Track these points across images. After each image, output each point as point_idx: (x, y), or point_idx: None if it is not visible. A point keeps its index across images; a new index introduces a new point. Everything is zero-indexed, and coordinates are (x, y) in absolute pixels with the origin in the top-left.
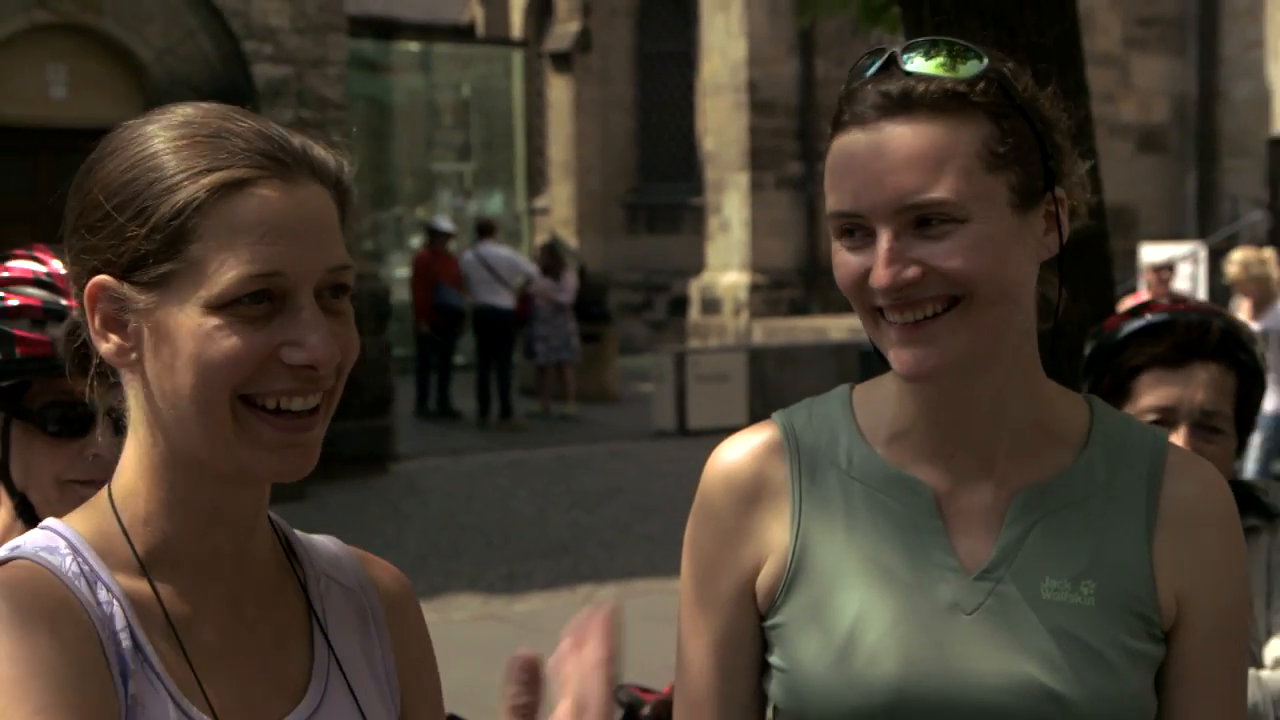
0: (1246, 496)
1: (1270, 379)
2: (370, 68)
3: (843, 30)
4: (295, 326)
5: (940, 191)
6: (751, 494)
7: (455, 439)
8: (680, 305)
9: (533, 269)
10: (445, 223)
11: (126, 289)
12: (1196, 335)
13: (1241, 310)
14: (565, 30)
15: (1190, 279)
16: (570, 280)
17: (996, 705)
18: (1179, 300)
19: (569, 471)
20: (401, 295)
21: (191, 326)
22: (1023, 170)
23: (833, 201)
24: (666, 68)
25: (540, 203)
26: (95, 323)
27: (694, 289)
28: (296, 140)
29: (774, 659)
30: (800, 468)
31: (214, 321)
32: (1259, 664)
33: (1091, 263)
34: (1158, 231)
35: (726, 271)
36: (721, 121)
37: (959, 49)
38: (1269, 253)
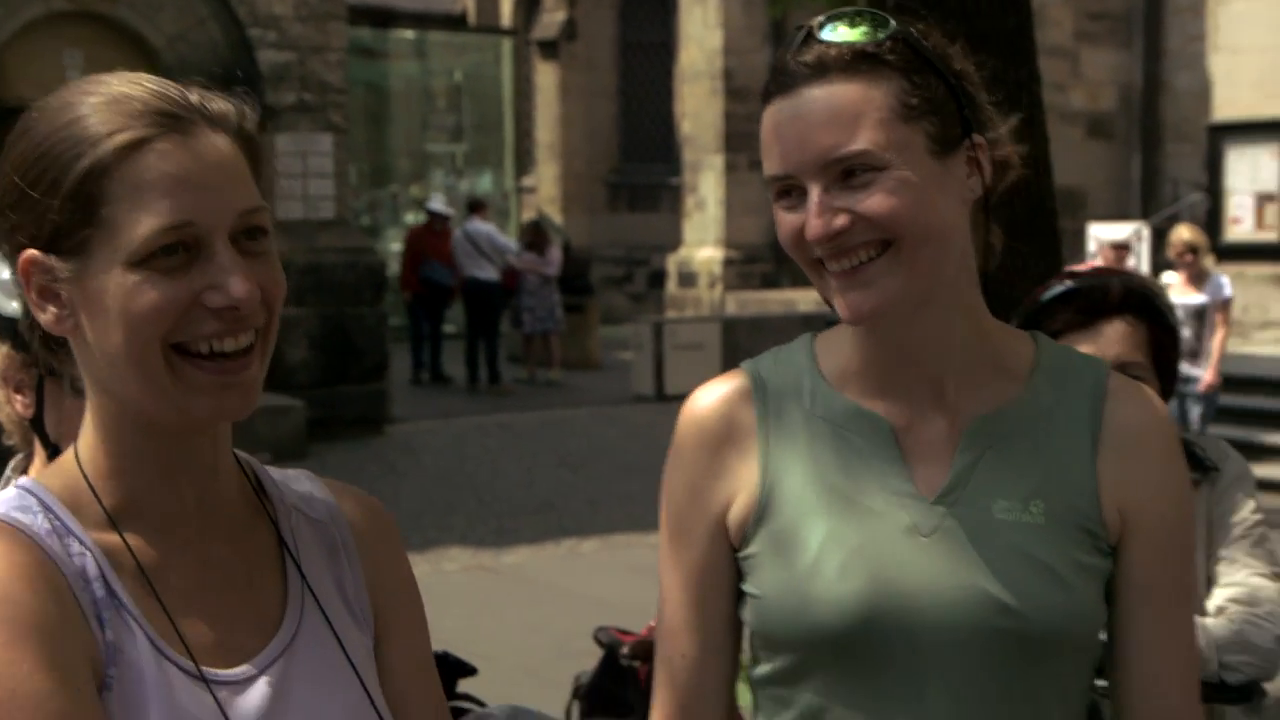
0: (1184, 452)
1: (1202, 350)
2: (368, 54)
3: None
4: (213, 271)
5: (859, 144)
6: (722, 436)
7: (447, 403)
8: (659, 278)
9: (513, 246)
10: (441, 205)
11: (53, 260)
12: (1099, 296)
13: (1178, 284)
14: (552, 20)
15: (1135, 256)
16: (555, 254)
17: (954, 619)
18: (1090, 269)
19: (554, 433)
20: (396, 269)
21: (115, 286)
22: (938, 119)
23: (767, 167)
24: (647, 56)
25: (527, 182)
26: (32, 295)
27: (672, 263)
28: (194, 95)
29: (748, 587)
30: (767, 410)
31: (134, 278)
32: (1203, 612)
33: (1042, 240)
34: (1105, 212)
35: (702, 247)
36: (698, 107)
37: (871, 16)
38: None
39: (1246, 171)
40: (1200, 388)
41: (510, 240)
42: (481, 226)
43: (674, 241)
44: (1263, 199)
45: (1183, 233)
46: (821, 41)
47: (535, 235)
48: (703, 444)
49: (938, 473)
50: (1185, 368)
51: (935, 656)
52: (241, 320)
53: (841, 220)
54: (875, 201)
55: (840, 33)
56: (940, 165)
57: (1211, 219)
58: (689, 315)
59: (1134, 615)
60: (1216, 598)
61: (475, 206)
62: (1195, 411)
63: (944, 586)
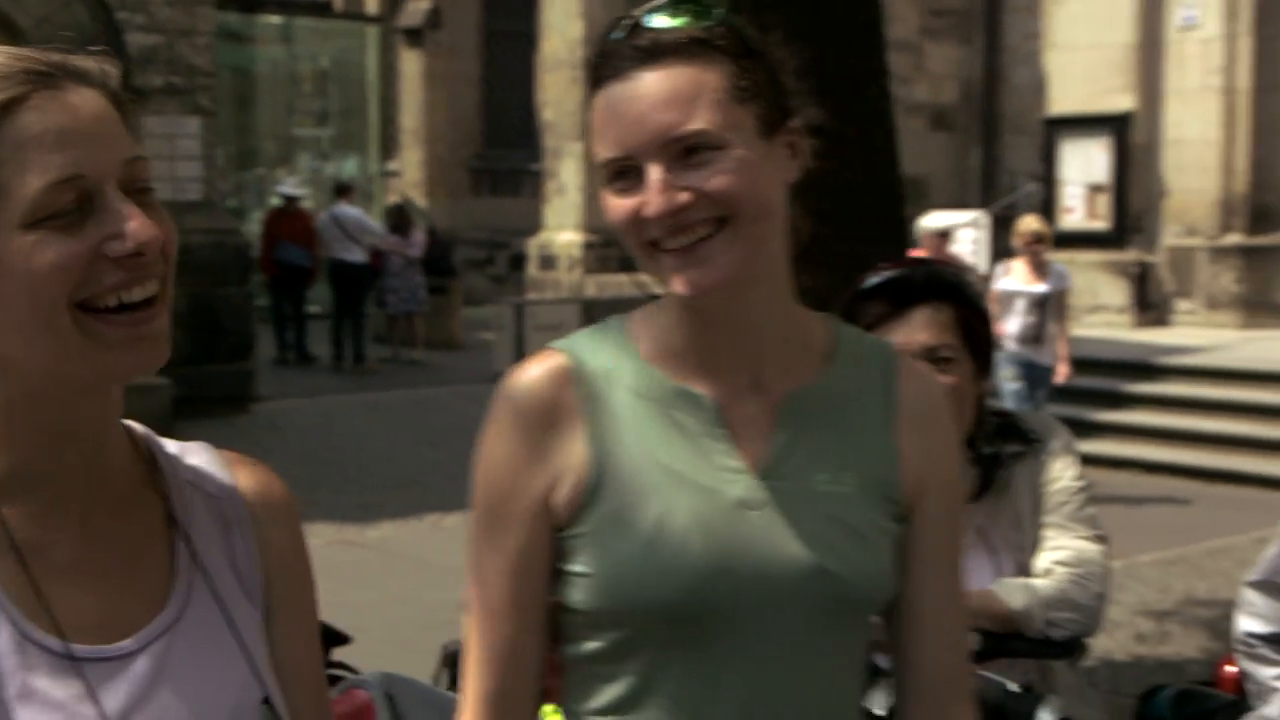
0: (1011, 426)
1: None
2: (235, 39)
3: None
4: (109, 220)
5: (698, 123)
6: (545, 418)
7: (312, 382)
8: (520, 261)
9: (379, 228)
10: (289, 188)
11: None
12: (903, 286)
13: (1021, 273)
14: (417, 8)
15: (974, 243)
16: (419, 237)
17: (784, 587)
18: (899, 261)
19: (417, 411)
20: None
21: (13, 251)
22: (764, 103)
23: (602, 150)
24: (510, 45)
25: (392, 166)
26: None
27: (532, 247)
28: (55, 55)
29: (576, 566)
30: (590, 391)
31: (31, 238)
32: (1030, 573)
33: (890, 228)
34: (946, 201)
35: (562, 231)
36: (559, 95)
37: (692, 6)
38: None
39: (1079, 163)
40: (1059, 379)
41: (377, 223)
42: (349, 210)
43: (535, 225)
44: (1094, 189)
45: (1030, 223)
46: (650, 28)
47: (400, 218)
48: (524, 426)
49: (760, 448)
50: (1029, 353)
51: (765, 624)
52: (145, 267)
53: (684, 197)
54: (716, 179)
55: (665, 20)
56: (766, 147)
57: (1046, 208)
58: (549, 297)
59: (925, 575)
60: (1043, 560)
61: (342, 190)
62: (1041, 393)
63: (775, 556)
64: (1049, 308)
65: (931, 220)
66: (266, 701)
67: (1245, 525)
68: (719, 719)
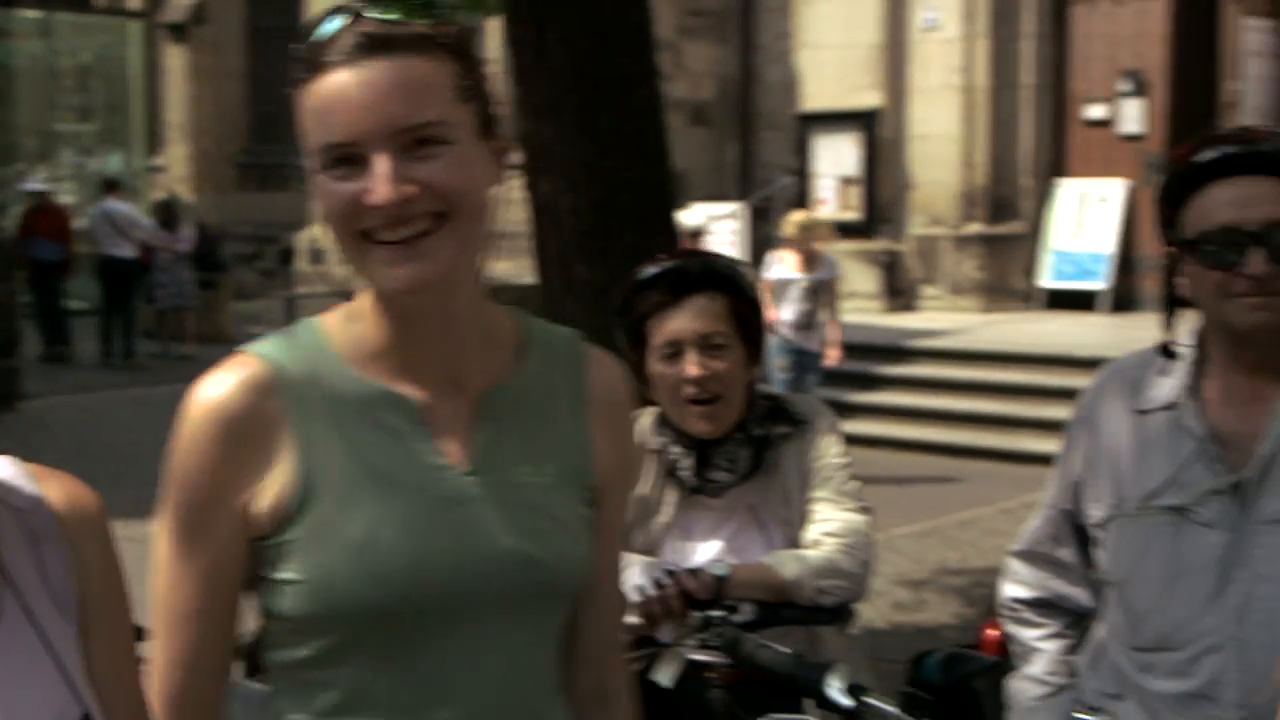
0: (779, 408)
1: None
2: None
3: None
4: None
5: (430, 115)
6: (244, 430)
7: (81, 378)
8: (289, 255)
9: (149, 223)
10: (36, 183)
11: None
12: (680, 275)
13: (792, 263)
14: (180, 4)
15: (733, 234)
16: (187, 232)
17: (495, 578)
18: (674, 252)
19: None
20: None
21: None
22: (480, 104)
23: (322, 136)
24: (275, 39)
25: (158, 161)
26: None
27: (302, 241)
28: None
29: (284, 574)
30: (291, 396)
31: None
32: (800, 546)
33: (661, 220)
34: (705, 194)
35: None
36: None
37: (411, 5)
38: (801, 214)
39: (830, 157)
40: (829, 363)
41: (145, 218)
42: (119, 205)
43: (303, 220)
44: (845, 182)
45: (799, 216)
46: (375, 19)
47: (167, 214)
48: (222, 438)
49: (464, 445)
50: (799, 340)
51: (480, 619)
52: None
53: (411, 189)
54: (442, 173)
55: (382, 14)
56: (482, 148)
57: (800, 201)
58: (319, 291)
59: (604, 555)
60: (812, 532)
61: (111, 186)
62: (811, 378)
63: (485, 551)
64: (820, 295)
65: (685, 217)
66: (87, 718)
67: (992, 497)
68: (440, 718)
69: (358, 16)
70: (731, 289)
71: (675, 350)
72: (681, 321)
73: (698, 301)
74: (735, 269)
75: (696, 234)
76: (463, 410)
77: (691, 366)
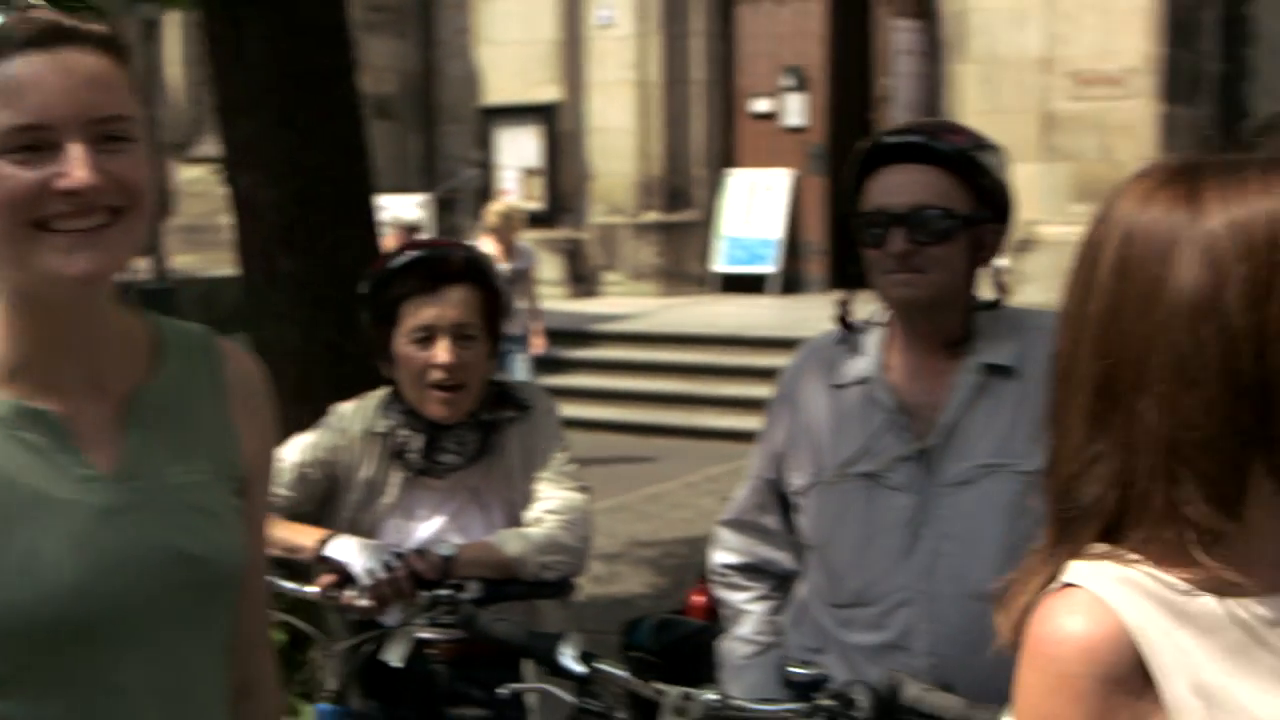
0: (505, 394)
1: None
2: None
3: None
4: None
5: (121, 109)
6: None
7: None
8: None
9: None
10: None
11: None
12: (443, 265)
13: (490, 251)
14: None
15: (420, 226)
16: None
17: (160, 579)
18: (431, 240)
19: None
20: None
21: None
22: (144, 110)
23: (7, 118)
24: None
25: None
26: None
27: None
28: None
29: None
30: None
31: None
32: (523, 523)
33: (362, 213)
34: (390, 186)
35: None
36: None
37: (76, 6)
38: (500, 205)
39: (513, 149)
40: (535, 350)
41: None
42: None
43: None
44: (528, 173)
45: (500, 205)
46: (68, 11)
47: None
48: None
49: (113, 452)
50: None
51: (155, 624)
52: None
53: (102, 179)
54: (130, 169)
55: (58, 12)
56: (145, 149)
57: (485, 192)
58: None
59: (253, 545)
60: (535, 510)
61: None
62: (516, 363)
63: (145, 553)
64: (517, 284)
65: (403, 212)
66: None
67: (677, 472)
68: None
69: (28, 7)
70: (485, 283)
71: (428, 335)
72: (438, 309)
73: (457, 291)
74: (489, 263)
75: (413, 229)
76: (108, 416)
77: (443, 353)
